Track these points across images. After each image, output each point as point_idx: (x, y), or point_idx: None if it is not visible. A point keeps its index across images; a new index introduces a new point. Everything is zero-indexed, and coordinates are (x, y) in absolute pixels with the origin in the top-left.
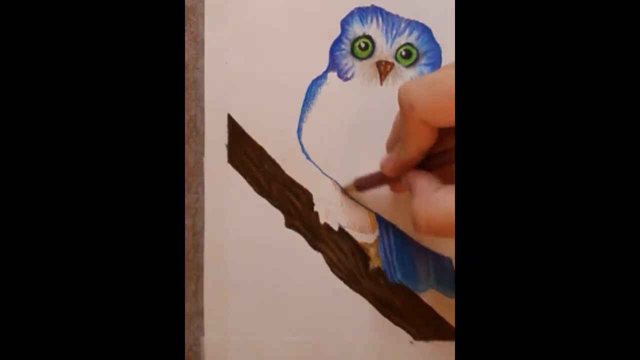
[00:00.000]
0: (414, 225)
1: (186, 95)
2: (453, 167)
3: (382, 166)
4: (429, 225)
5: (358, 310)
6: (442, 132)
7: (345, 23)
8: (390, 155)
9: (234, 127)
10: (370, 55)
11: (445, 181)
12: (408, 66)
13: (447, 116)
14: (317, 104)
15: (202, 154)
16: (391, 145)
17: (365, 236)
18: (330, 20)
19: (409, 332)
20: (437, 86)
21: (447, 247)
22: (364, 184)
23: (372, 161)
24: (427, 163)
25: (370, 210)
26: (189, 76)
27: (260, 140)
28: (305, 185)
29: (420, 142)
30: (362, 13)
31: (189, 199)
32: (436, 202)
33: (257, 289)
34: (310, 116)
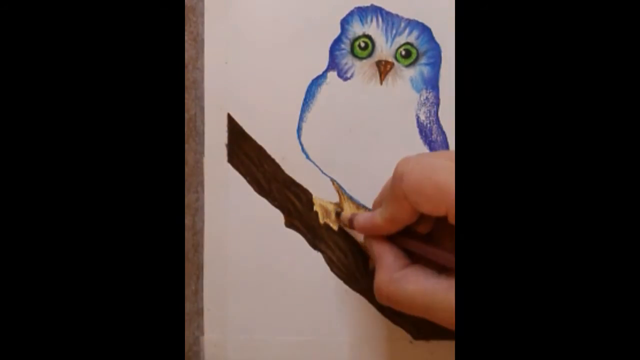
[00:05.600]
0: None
1: (186, 95)
2: (427, 252)
3: (354, 219)
4: (389, 301)
5: (358, 310)
6: (425, 219)
7: (345, 22)
8: (367, 214)
9: (234, 127)
10: (370, 55)
11: (414, 258)
12: (408, 66)
13: (430, 204)
14: (317, 104)
15: (202, 153)
16: (376, 204)
17: None
18: (330, 20)
19: (409, 331)
20: (432, 173)
21: None
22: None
23: (372, 161)
24: (399, 239)
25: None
26: (189, 76)
27: (260, 140)
28: (305, 185)
29: (397, 214)
30: (362, 13)
31: (189, 199)
32: (399, 281)
33: (257, 289)
34: (310, 116)
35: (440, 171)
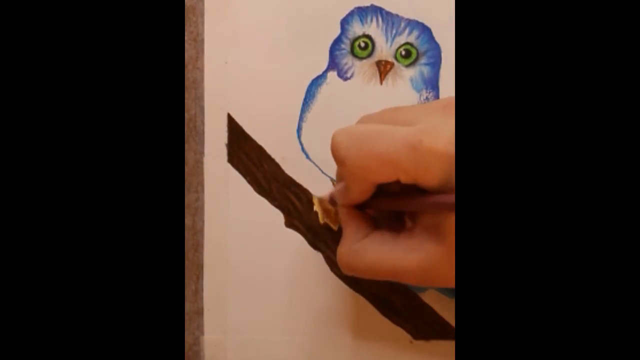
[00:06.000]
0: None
1: (186, 95)
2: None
3: (333, 195)
4: (351, 271)
5: (358, 310)
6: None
7: (345, 22)
8: (338, 190)
9: (234, 127)
10: (370, 55)
11: (380, 220)
12: (408, 65)
13: (377, 174)
14: (317, 104)
15: (202, 153)
16: (338, 179)
17: None
18: (330, 20)
19: (409, 331)
20: (365, 145)
21: None
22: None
23: None
24: (374, 202)
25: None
26: (189, 76)
27: (260, 140)
28: (305, 185)
29: (357, 191)
30: (361, 12)
31: (188, 199)
32: (357, 253)
33: (257, 289)
34: (310, 116)
35: (377, 140)
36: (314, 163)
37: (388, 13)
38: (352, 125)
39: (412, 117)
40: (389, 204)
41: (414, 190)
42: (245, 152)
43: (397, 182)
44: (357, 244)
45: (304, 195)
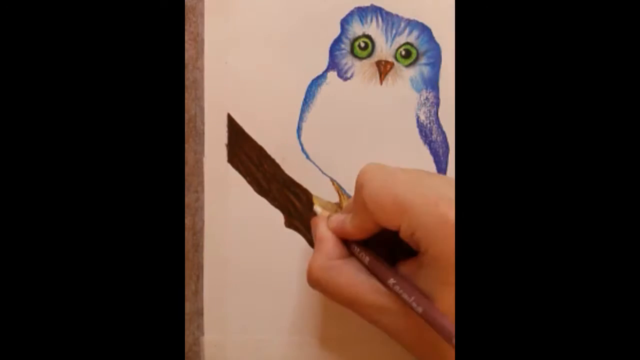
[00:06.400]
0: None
1: (186, 95)
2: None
3: (329, 220)
4: (318, 285)
5: None
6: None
7: (345, 22)
8: (340, 218)
9: (233, 127)
10: (370, 55)
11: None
12: (408, 65)
13: (385, 216)
14: (317, 104)
15: (202, 153)
16: (347, 208)
17: None
18: (330, 20)
19: None
20: (392, 185)
21: None
22: None
23: (372, 161)
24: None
25: None
26: (189, 76)
27: (260, 140)
28: (305, 185)
29: (362, 222)
30: (361, 12)
31: (188, 199)
32: (332, 269)
33: (257, 289)
34: (310, 116)
35: (401, 184)
36: (314, 163)
37: (388, 13)
38: (385, 165)
39: (438, 184)
40: (371, 261)
41: (399, 259)
42: (245, 152)
43: (388, 242)
44: (333, 261)
45: (304, 195)
